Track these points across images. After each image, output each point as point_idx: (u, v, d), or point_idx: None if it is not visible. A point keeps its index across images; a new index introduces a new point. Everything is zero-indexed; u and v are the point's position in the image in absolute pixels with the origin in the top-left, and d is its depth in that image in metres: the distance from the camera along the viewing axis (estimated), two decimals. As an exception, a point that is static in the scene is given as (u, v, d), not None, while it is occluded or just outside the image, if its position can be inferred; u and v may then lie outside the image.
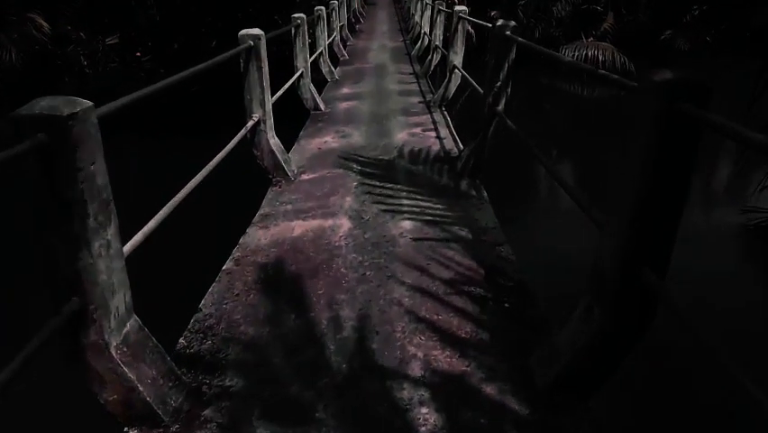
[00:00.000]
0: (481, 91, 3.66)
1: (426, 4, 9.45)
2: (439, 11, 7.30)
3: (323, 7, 7.16)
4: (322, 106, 5.74)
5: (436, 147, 4.35)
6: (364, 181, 3.62)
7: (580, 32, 16.92)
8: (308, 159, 4.18)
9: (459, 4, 5.82)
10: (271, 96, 3.64)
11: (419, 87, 6.98)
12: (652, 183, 1.30)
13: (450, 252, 2.61)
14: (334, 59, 9.41)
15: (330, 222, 2.99)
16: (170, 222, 1.98)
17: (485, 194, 3.38)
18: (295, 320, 2.09)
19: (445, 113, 5.48)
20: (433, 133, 4.75)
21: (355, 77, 7.84)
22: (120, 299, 1.51)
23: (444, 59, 6.77)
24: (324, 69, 7.62)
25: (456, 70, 5.52)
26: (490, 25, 3.52)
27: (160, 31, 13.80)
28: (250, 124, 3.43)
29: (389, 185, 3.54)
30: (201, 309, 2.18)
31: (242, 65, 3.40)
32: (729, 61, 16.34)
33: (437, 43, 7.50)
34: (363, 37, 13.19)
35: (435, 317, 2.08)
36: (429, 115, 5.41)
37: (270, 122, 3.63)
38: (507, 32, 3.30)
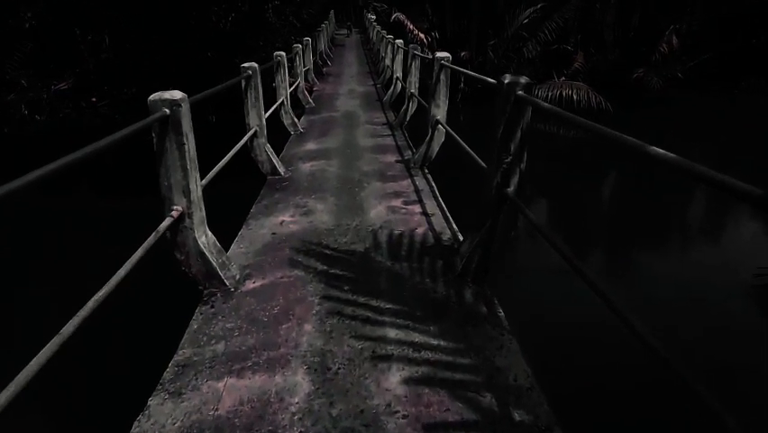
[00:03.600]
0: (484, 166, 2.78)
1: (398, 47, 8.75)
2: (414, 56, 6.54)
3: (283, 53, 6.31)
4: (281, 170, 4.79)
5: (424, 229, 3.41)
6: (330, 293, 2.63)
7: (551, 72, 16.69)
8: (257, 251, 3.18)
9: (439, 50, 5.01)
10: (200, 180, 2.67)
11: (395, 140, 6.12)
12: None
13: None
14: (299, 107, 8.56)
15: (277, 380, 1.97)
16: None
17: (501, 313, 2.43)
18: None
19: (429, 177, 4.59)
20: (417, 208, 3.82)
21: (322, 128, 6.95)
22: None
23: (422, 108, 5.96)
24: (287, 121, 6.72)
25: (440, 126, 4.67)
26: (494, 81, 2.67)
27: (116, 75, 12.82)
28: (166, 222, 2.44)
29: (365, 299, 2.56)
30: None
31: (154, 141, 2.43)
32: (695, 96, 16.36)
33: (413, 91, 6.70)
34: (331, 81, 12.44)
35: None
36: (410, 180, 4.51)
37: (200, 214, 2.64)
38: (520, 92, 2.45)
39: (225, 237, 3.49)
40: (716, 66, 17.54)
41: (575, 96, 14.87)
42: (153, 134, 2.42)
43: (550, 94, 15.26)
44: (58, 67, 13.02)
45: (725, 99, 16.20)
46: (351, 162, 5.19)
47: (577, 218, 7.84)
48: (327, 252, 3.13)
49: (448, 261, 2.91)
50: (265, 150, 4.68)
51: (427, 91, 6.94)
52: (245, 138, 4.35)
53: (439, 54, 4.55)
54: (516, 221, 2.63)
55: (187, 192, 2.51)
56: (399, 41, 8.90)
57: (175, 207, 2.52)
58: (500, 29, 16.94)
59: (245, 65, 4.33)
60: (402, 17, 17.36)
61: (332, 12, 27.26)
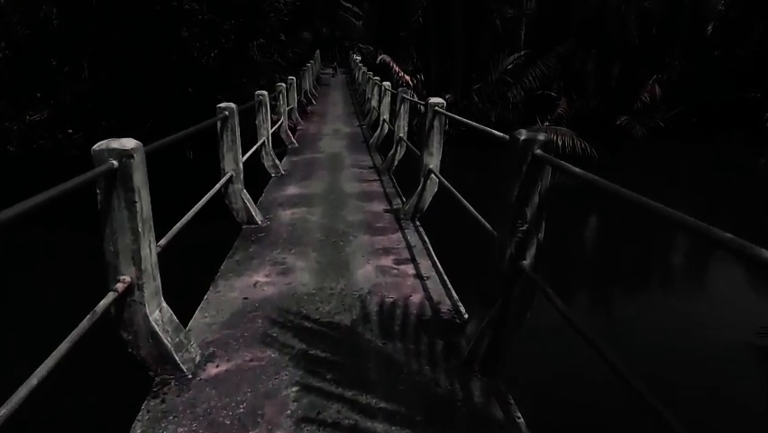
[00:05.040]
0: (486, 225, 2.39)
1: (386, 90, 8.52)
2: (404, 99, 6.26)
3: (265, 93, 5.98)
4: (258, 219, 4.35)
5: (419, 297, 2.98)
6: (310, 383, 2.17)
7: (535, 117, 16.77)
8: (225, 322, 2.70)
9: (434, 96, 4.71)
10: (156, 242, 2.22)
11: (383, 186, 5.75)
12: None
13: None
14: (281, 145, 8.20)
15: None
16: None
17: (520, 418, 1.99)
18: None
19: (422, 230, 4.19)
20: (410, 268, 3.40)
21: (305, 171, 6.57)
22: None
23: (411, 152, 5.64)
24: (267, 163, 6.32)
25: (433, 176, 4.31)
26: (506, 136, 2.31)
27: (93, 107, 12.36)
28: (107, 299, 1.97)
29: (351, 393, 2.10)
30: None
31: (98, 199, 2.00)
32: (680, 144, 16.54)
33: (401, 135, 6.40)
34: (315, 120, 12.17)
35: None
36: (401, 234, 4.11)
37: (154, 284, 2.18)
38: (538, 151, 2.09)
39: (188, 302, 3.02)
40: (696, 115, 17.88)
41: (560, 142, 14.87)
42: (98, 190, 1.98)
43: (534, 138, 15.23)
44: (33, 97, 12.55)
45: (706, 148, 16.40)
46: (335, 211, 4.78)
47: (571, 265, 7.54)
48: (307, 324, 2.67)
49: (451, 342, 2.47)
50: (241, 196, 4.25)
51: (413, 133, 6.66)
52: (219, 184, 3.92)
53: (433, 100, 4.23)
54: (533, 299, 2.23)
55: (137, 259, 2.06)
56: (387, 84, 8.69)
57: (122, 278, 2.06)
58: (484, 73, 17.09)
59: (221, 105, 3.95)
60: (388, 59, 17.40)
61: (317, 51, 27.45)
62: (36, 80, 12.33)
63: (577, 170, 1.91)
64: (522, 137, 2.12)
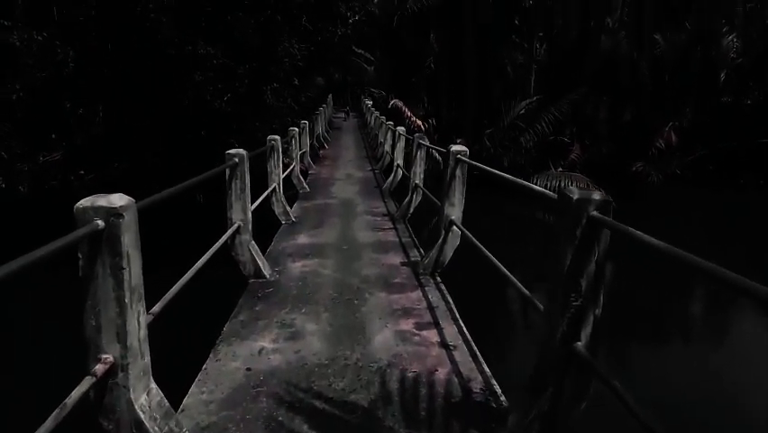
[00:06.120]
0: (541, 307, 2.06)
1: (400, 135, 8.35)
2: (420, 145, 6.04)
3: (277, 137, 5.79)
4: (266, 272, 4.04)
5: (446, 371, 2.61)
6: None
7: (548, 162, 16.58)
8: (223, 401, 2.34)
9: (456, 143, 4.48)
10: (145, 313, 1.91)
11: (398, 236, 5.44)
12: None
13: None
14: (292, 188, 7.99)
15: None
16: None
17: None
18: None
19: (443, 287, 3.85)
20: (434, 334, 3.04)
21: (316, 218, 6.30)
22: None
23: (427, 200, 5.38)
24: (278, 210, 6.06)
25: (455, 228, 4.01)
26: (554, 195, 2.02)
27: (105, 150, 12.36)
28: (84, 384, 1.65)
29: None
30: None
31: (80, 264, 1.70)
32: (704, 192, 16.14)
33: (417, 182, 6.15)
34: (327, 164, 12.04)
35: None
36: (420, 291, 3.77)
37: (142, 363, 1.86)
38: (594, 213, 1.79)
39: (184, 369, 2.69)
40: (712, 162, 17.62)
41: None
42: (80, 255, 1.69)
43: (548, 183, 15.00)
44: (47, 139, 12.61)
45: (723, 195, 16.02)
46: (348, 263, 4.46)
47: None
48: (318, 405, 2.31)
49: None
50: (249, 249, 3.96)
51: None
52: (225, 236, 3.63)
53: (455, 148, 3.98)
54: (590, 388, 1.87)
55: (122, 335, 1.74)
56: (401, 128, 8.54)
57: (103, 357, 1.74)
58: (496, 118, 17.04)
59: (230, 152, 3.71)
60: (400, 104, 17.47)
61: (330, 96, 27.86)
62: (50, 122, 12.41)
63: (649, 237, 1.59)
64: (575, 196, 1.82)
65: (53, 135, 12.59)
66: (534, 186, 2.44)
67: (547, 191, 2.22)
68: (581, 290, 1.84)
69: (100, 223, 1.64)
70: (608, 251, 1.85)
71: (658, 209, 14.08)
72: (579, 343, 1.84)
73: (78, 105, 12.25)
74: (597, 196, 1.83)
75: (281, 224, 5.96)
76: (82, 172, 12.69)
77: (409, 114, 17.23)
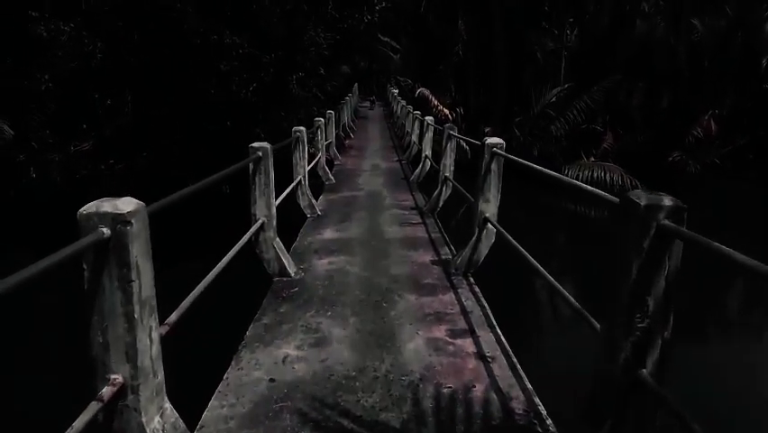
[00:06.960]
0: (596, 325, 1.83)
1: (428, 125, 8.08)
2: (450, 136, 5.78)
3: (303, 128, 5.61)
4: (291, 271, 3.88)
5: (484, 387, 2.39)
6: None
7: (579, 151, 16.04)
8: (244, 418, 2.18)
9: (488, 135, 4.21)
10: (156, 330, 1.75)
11: (427, 231, 5.22)
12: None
13: None
14: (317, 179, 7.84)
15: None
16: None
17: None
18: None
19: (477, 290, 3.61)
20: (469, 344, 2.82)
21: (342, 211, 6.12)
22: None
23: (456, 192, 5.13)
24: (303, 203, 5.91)
25: (489, 225, 3.77)
26: (615, 199, 1.77)
27: (133, 140, 12.44)
28: (91, 409, 1.49)
29: None
30: None
31: (85, 276, 1.54)
32: (731, 181, 15.33)
33: (447, 174, 5.90)
34: (353, 154, 11.84)
35: None
36: (453, 294, 3.55)
37: (155, 382, 1.70)
38: (665, 221, 1.55)
39: (205, 373, 2.55)
40: (752, 151, 16.79)
41: (607, 178, 14.08)
42: (84, 266, 1.53)
43: (580, 174, 14.52)
44: (78, 129, 12.76)
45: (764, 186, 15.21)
46: (377, 261, 4.27)
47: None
48: (345, 424, 2.12)
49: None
50: (273, 246, 3.80)
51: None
52: (249, 233, 3.47)
53: (491, 140, 3.72)
54: (656, 421, 1.64)
55: (132, 354, 1.58)
56: (429, 118, 8.26)
57: (112, 378, 1.59)
58: (526, 106, 16.55)
59: (254, 145, 3.53)
60: (427, 92, 17.14)
61: (355, 85, 27.59)
62: (80, 112, 12.54)
63: (734, 252, 1.34)
64: (643, 202, 1.57)
65: (84, 126, 12.74)
66: (588, 187, 2.18)
67: (607, 195, 1.97)
68: (648, 309, 1.60)
69: (106, 231, 1.47)
70: (679, 265, 1.60)
71: (698, 202, 13.41)
72: (644, 370, 1.61)
73: (107, 96, 12.33)
74: (668, 201, 1.58)
75: (307, 217, 5.80)
76: (112, 162, 12.81)
77: (436, 102, 16.89)
